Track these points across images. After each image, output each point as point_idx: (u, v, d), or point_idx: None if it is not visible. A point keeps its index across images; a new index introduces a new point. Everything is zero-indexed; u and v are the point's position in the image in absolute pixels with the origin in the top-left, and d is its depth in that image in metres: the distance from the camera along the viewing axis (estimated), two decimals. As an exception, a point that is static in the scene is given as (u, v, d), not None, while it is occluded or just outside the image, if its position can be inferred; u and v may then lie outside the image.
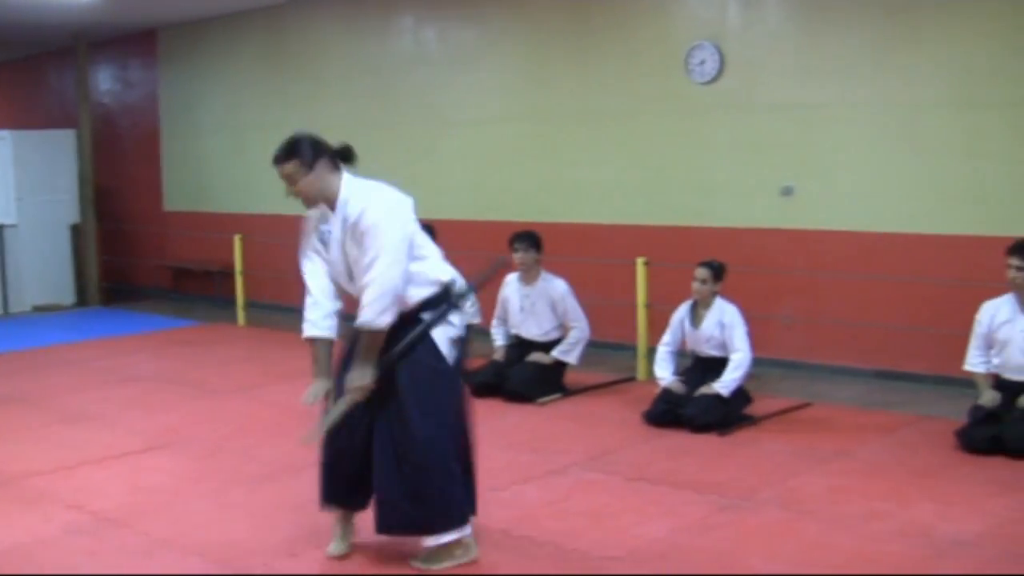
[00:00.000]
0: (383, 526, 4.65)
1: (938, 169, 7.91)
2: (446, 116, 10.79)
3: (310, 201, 4.56)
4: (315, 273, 4.66)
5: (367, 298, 4.40)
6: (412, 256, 4.49)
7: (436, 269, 4.60)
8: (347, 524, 4.87)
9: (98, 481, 6.02)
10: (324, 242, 4.61)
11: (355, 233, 4.46)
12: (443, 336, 4.57)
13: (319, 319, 4.62)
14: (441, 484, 4.54)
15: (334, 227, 4.54)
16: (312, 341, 4.63)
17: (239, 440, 6.92)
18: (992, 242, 7.08)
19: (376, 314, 4.39)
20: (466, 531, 4.68)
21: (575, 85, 9.77)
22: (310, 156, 4.48)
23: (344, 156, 4.61)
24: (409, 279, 4.47)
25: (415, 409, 4.48)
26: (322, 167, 4.50)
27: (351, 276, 4.56)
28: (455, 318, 4.61)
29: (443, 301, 4.57)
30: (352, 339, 4.62)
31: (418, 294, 4.54)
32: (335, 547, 4.82)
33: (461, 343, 4.65)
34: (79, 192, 13.64)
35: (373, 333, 4.44)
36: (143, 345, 10.70)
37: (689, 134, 9.10)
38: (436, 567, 4.64)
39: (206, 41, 13.31)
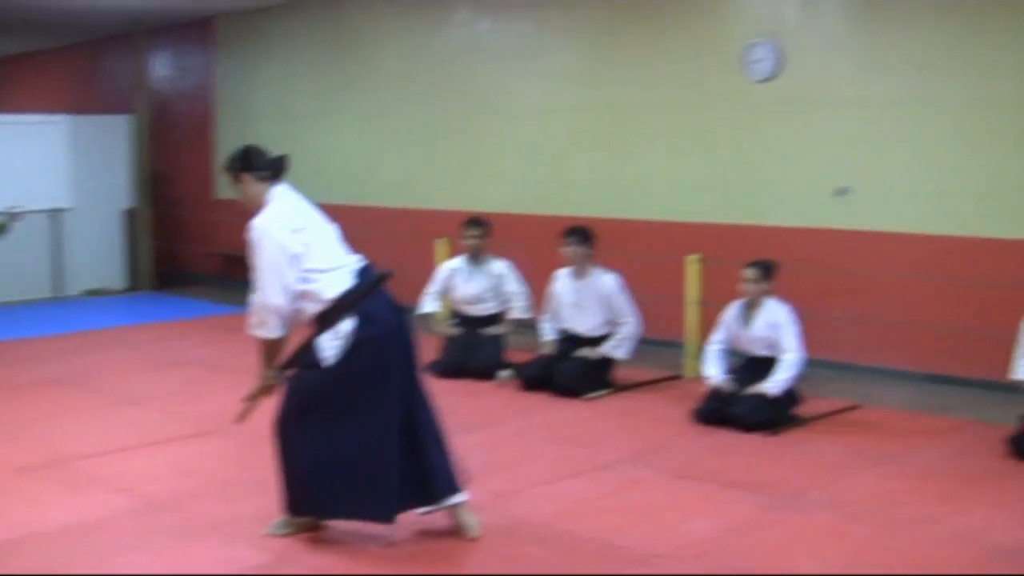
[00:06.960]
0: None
1: (998, 171, 7.80)
2: (502, 108, 10.74)
3: (248, 206, 4.97)
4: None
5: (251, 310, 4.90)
6: (301, 279, 4.78)
7: (326, 289, 4.79)
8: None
9: (147, 465, 6.05)
10: None
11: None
12: (328, 342, 4.76)
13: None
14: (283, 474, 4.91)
15: None
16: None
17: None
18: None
19: (253, 325, 4.87)
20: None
21: (632, 79, 9.70)
22: (236, 168, 4.95)
23: (274, 167, 4.98)
24: (302, 297, 4.80)
25: (284, 409, 4.87)
26: (247, 179, 4.92)
27: None
28: (346, 325, 4.76)
29: (331, 315, 4.77)
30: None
31: (312, 309, 4.83)
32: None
33: (362, 344, 4.75)
34: (134, 177, 13.72)
35: (260, 340, 4.89)
36: (193, 330, 10.79)
37: (746, 131, 9.02)
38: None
39: (264, 29, 13.35)
